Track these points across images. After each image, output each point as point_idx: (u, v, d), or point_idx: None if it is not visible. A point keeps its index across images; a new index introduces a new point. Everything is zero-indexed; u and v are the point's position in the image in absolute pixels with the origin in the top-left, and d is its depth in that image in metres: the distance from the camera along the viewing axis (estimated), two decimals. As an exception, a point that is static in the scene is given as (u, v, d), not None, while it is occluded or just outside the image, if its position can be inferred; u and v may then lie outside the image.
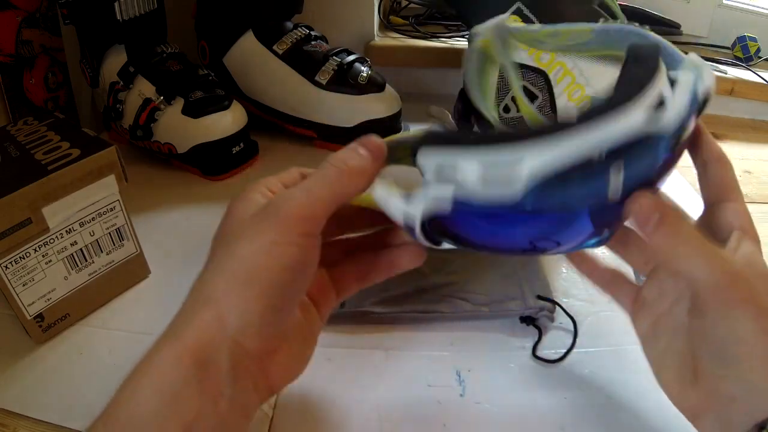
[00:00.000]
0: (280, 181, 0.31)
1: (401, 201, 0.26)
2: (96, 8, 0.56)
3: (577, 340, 0.41)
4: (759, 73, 0.82)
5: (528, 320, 0.42)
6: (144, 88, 0.58)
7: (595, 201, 0.24)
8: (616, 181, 0.23)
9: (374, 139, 0.28)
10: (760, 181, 0.67)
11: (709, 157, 0.32)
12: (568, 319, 0.42)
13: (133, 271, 0.45)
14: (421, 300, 0.43)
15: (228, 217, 0.29)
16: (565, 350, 0.40)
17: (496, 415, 0.36)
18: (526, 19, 0.55)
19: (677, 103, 0.24)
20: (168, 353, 0.23)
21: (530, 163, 0.22)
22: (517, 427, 0.35)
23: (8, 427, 0.34)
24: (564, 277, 0.47)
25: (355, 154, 0.27)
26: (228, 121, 0.59)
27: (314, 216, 0.26)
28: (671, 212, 0.26)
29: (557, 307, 0.43)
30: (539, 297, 0.43)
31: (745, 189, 0.64)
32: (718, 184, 0.31)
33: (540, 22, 0.55)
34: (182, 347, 0.23)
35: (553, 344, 0.41)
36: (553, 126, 0.22)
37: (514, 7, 0.56)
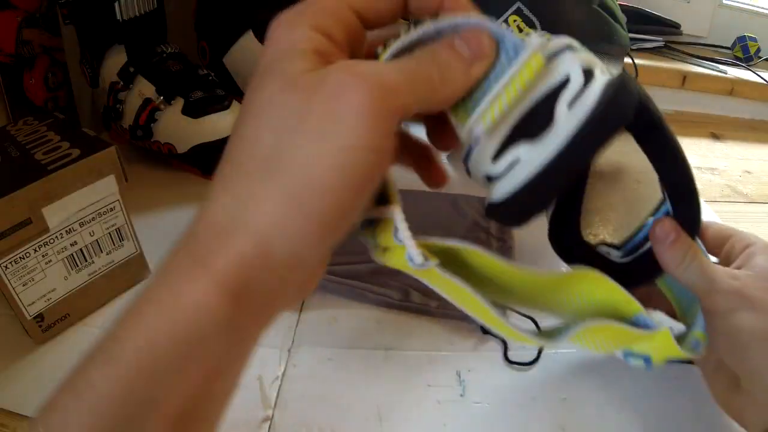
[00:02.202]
0: (338, 21, 0.21)
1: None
2: (96, 8, 0.56)
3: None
4: (759, 73, 0.82)
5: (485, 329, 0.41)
6: (144, 88, 0.58)
7: None
8: None
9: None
10: (760, 181, 0.67)
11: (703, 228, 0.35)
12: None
13: (133, 271, 0.45)
14: (374, 280, 0.43)
15: (269, 76, 0.20)
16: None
17: (496, 415, 0.36)
18: (526, 19, 0.55)
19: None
20: (193, 287, 0.19)
21: None
22: (517, 427, 0.35)
23: (8, 427, 0.34)
24: (564, 277, 0.47)
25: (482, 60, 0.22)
26: (228, 121, 0.58)
27: (408, 109, 0.20)
28: (684, 237, 0.31)
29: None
30: (494, 303, 0.42)
31: (745, 189, 0.64)
32: (716, 234, 0.36)
33: (540, 22, 0.55)
34: (213, 283, 0.19)
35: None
36: None
37: (514, 7, 0.56)
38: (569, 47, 0.24)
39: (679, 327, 0.35)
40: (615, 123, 0.22)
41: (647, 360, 0.33)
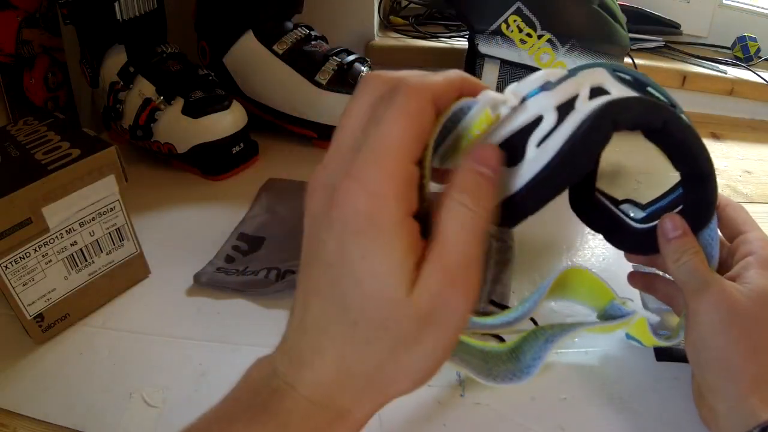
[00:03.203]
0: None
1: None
2: (96, 8, 0.56)
3: (577, 340, 0.41)
4: (759, 73, 0.81)
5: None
6: (144, 88, 0.58)
7: None
8: None
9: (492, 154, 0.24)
10: (760, 181, 0.67)
11: (723, 207, 0.36)
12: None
13: (133, 271, 0.45)
14: None
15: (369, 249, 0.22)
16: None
17: (496, 415, 0.36)
18: (526, 20, 0.55)
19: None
20: None
21: None
22: (517, 427, 0.35)
23: (8, 427, 0.34)
24: (564, 277, 0.47)
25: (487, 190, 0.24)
26: (228, 121, 0.58)
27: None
28: (688, 236, 0.32)
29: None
30: (492, 302, 0.43)
31: (745, 189, 0.64)
32: (732, 223, 0.35)
33: (540, 22, 0.55)
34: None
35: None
36: None
37: (514, 7, 0.56)
38: (544, 86, 0.26)
39: (652, 316, 0.37)
40: (577, 168, 0.25)
41: (639, 343, 0.37)
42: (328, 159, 0.23)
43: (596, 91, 0.26)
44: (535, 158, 0.24)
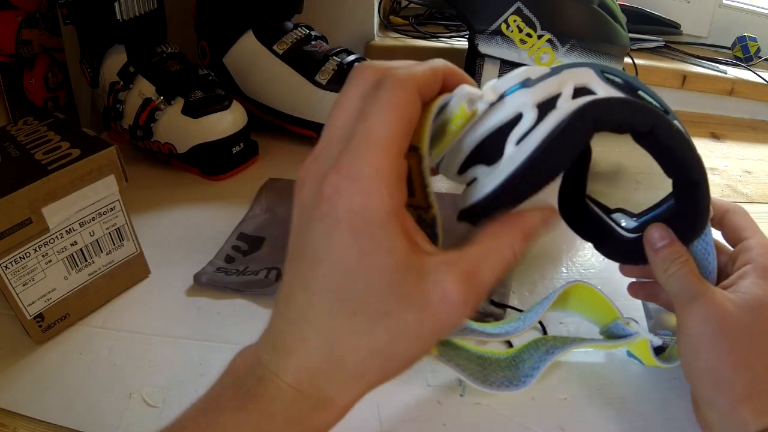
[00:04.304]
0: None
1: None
2: (96, 8, 0.56)
3: (571, 328, 0.41)
4: (759, 73, 0.81)
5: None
6: (144, 88, 0.58)
7: None
8: None
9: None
10: (760, 181, 0.67)
11: (723, 212, 0.36)
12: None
13: (133, 271, 0.45)
14: None
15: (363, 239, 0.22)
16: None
17: (496, 415, 0.36)
18: (526, 19, 0.56)
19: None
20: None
21: None
22: (517, 427, 0.35)
23: (8, 427, 0.34)
24: (564, 277, 0.47)
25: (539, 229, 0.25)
26: (228, 121, 0.58)
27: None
28: (675, 245, 0.31)
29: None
30: (492, 302, 0.43)
31: (745, 189, 0.64)
32: (733, 229, 0.35)
33: (540, 22, 0.55)
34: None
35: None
36: None
37: (514, 7, 0.56)
38: (524, 83, 0.25)
39: (656, 339, 0.36)
40: (552, 168, 0.24)
41: (640, 362, 0.38)
42: (318, 151, 0.24)
43: (581, 91, 0.26)
44: (513, 157, 0.24)
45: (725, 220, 0.35)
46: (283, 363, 0.23)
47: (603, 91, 0.26)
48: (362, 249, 0.21)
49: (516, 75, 0.26)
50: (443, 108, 0.25)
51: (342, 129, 0.23)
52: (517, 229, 0.24)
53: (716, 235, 0.35)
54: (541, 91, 0.25)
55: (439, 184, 0.28)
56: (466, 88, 0.24)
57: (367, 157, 0.21)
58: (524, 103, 0.24)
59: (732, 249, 0.35)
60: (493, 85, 0.26)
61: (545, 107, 0.24)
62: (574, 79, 0.26)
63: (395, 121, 0.22)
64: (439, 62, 0.24)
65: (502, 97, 0.25)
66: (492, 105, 0.25)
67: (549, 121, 0.24)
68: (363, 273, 0.22)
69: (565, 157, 0.24)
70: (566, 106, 0.24)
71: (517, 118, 0.25)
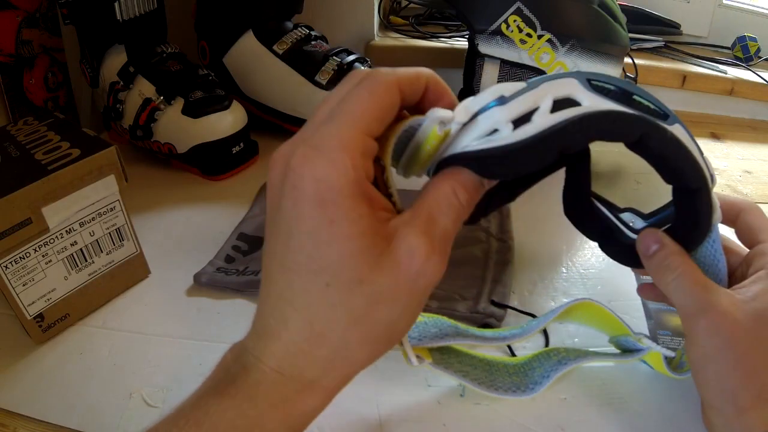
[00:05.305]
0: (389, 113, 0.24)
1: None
2: (96, 8, 0.56)
3: (577, 339, 0.41)
4: (759, 73, 0.82)
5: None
6: (144, 88, 0.58)
7: None
8: None
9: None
10: (760, 181, 0.67)
11: (737, 211, 0.35)
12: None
13: (133, 271, 0.45)
14: None
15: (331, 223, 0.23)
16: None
17: (496, 415, 0.36)
18: (526, 19, 0.56)
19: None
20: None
21: None
22: (517, 427, 0.35)
23: (8, 427, 0.34)
24: (564, 277, 0.47)
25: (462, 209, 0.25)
26: (228, 121, 0.59)
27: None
28: (673, 252, 0.30)
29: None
30: (493, 302, 0.43)
31: (745, 189, 0.64)
32: (749, 231, 0.34)
33: (540, 22, 0.55)
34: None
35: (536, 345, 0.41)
36: None
37: (514, 7, 0.56)
38: (499, 100, 0.25)
39: (668, 352, 0.35)
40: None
41: (650, 366, 0.38)
42: (294, 137, 0.24)
43: (563, 103, 0.25)
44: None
45: (740, 219, 0.34)
46: (266, 348, 0.23)
47: (588, 100, 0.25)
48: (329, 218, 0.22)
49: (490, 93, 0.26)
50: (413, 128, 0.25)
51: (321, 116, 0.24)
52: (452, 178, 0.25)
53: (730, 233, 0.34)
54: (516, 107, 0.24)
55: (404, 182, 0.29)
56: (438, 111, 0.25)
57: (337, 131, 0.22)
58: (498, 120, 0.24)
59: (746, 249, 0.33)
60: (466, 104, 0.25)
61: (520, 123, 0.24)
62: (554, 92, 0.25)
63: (367, 103, 0.23)
64: (426, 69, 0.25)
65: (475, 116, 0.25)
66: (465, 125, 0.25)
67: (517, 134, 0.24)
68: (332, 242, 0.22)
69: (519, 169, 0.25)
70: (542, 120, 0.24)
71: (494, 132, 0.24)
